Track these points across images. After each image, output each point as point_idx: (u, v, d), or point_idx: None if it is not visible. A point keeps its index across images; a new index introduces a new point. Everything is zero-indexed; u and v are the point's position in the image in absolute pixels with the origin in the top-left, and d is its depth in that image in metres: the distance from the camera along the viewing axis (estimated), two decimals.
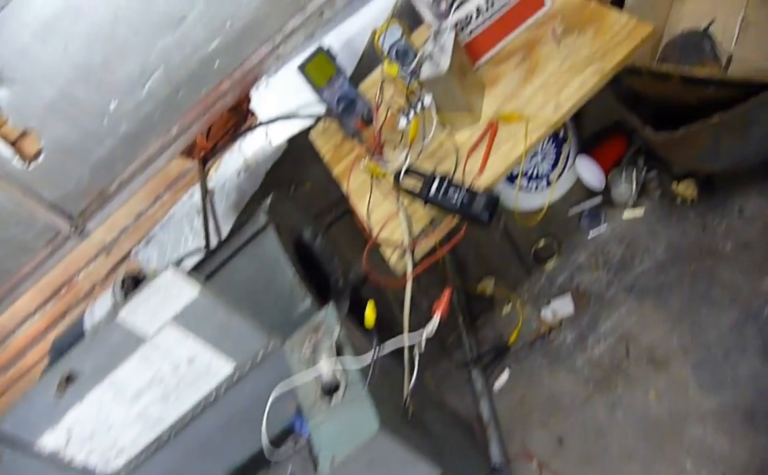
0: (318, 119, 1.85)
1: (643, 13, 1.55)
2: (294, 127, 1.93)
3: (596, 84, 1.35)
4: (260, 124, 1.99)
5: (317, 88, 1.69)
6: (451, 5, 1.52)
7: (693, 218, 1.58)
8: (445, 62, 1.35)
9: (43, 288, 2.20)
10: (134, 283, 1.34)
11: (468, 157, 1.42)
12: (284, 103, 2.01)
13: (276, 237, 1.33)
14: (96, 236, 2.14)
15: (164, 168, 2.07)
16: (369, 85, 1.85)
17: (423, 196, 1.32)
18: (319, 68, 1.69)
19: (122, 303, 1.24)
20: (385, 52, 1.66)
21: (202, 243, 2.15)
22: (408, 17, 2.03)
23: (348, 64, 2.02)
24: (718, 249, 1.52)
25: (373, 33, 2.02)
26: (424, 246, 1.37)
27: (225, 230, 2.15)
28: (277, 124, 1.99)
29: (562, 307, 1.66)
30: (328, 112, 1.72)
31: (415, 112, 1.46)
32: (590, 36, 1.42)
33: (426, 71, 1.38)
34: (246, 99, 2.01)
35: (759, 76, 1.33)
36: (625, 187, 1.66)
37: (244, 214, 2.17)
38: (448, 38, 1.38)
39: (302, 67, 1.69)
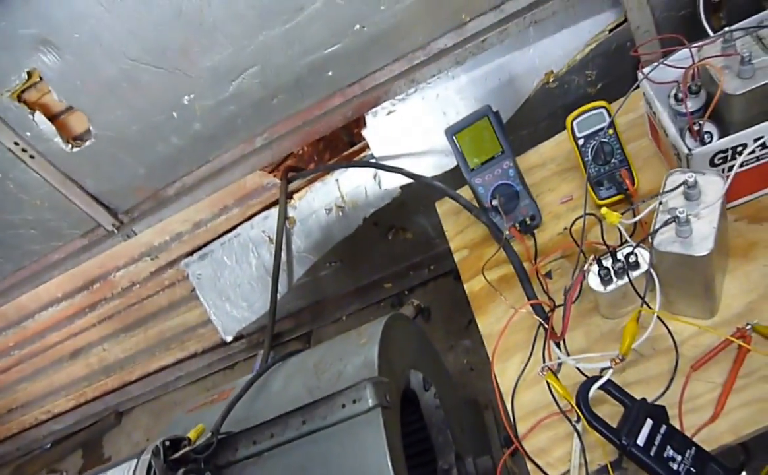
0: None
1: None
2: (416, 174, 1.43)
3: None
4: (371, 162, 1.50)
5: (468, 168, 1.18)
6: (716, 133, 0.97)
7: None
8: (705, 243, 0.83)
9: (74, 277, 1.82)
10: (172, 448, 0.91)
11: (694, 370, 0.91)
12: (408, 142, 1.52)
13: (383, 437, 0.88)
14: (142, 237, 1.73)
15: (238, 180, 1.62)
16: (530, 163, 1.32)
17: (625, 445, 0.83)
18: (478, 139, 1.17)
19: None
20: (577, 142, 1.14)
21: (265, 278, 1.72)
22: (604, 73, 1.48)
23: (502, 111, 1.50)
24: None
25: (548, 75, 1.50)
26: None
27: (297, 273, 1.71)
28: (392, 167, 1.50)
29: None
30: (474, 202, 1.21)
31: (618, 276, 0.96)
32: None
33: (665, 240, 0.86)
34: (358, 122, 1.52)
35: None
36: None
37: (324, 261, 1.71)
38: (715, 201, 0.85)
39: (452, 132, 1.18)
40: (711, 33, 1.28)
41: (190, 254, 1.77)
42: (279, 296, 1.65)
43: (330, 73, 1.42)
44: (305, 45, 1.36)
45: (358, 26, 1.35)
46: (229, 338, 1.85)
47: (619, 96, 1.26)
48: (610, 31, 1.42)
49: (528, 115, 1.50)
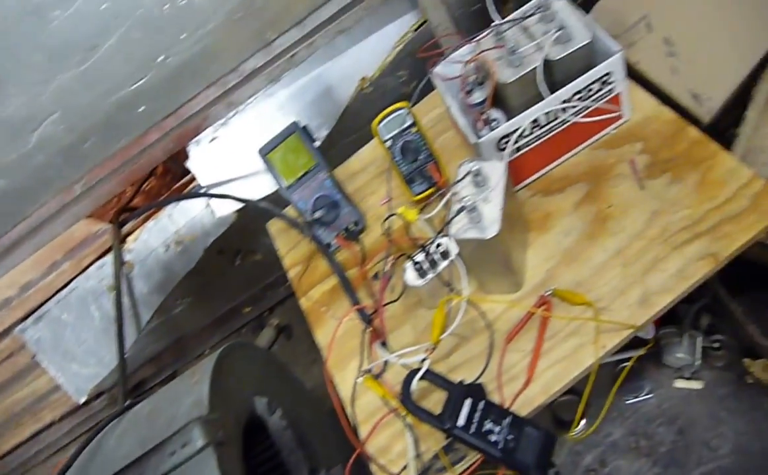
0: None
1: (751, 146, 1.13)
2: (243, 198, 1.42)
3: (704, 275, 0.92)
4: (199, 192, 1.47)
5: (285, 186, 1.19)
6: (498, 120, 1.04)
7: None
8: (492, 226, 0.88)
9: None
10: None
11: (507, 343, 0.98)
12: (236, 165, 1.50)
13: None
14: None
15: (63, 233, 1.52)
16: (352, 170, 1.35)
17: (447, 428, 0.87)
18: (290, 155, 1.18)
19: None
20: (385, 144, 1.18)
21: (111, 329, 1.63)
22: (415, 71, 1.54)
23: (325, 121, 1.52)
24: None
25: (363, 81, 1.54)
26: None
27: (145, 317, 1.64)
28: (220, 194, 1.48)
29: None
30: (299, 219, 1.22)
31: (432, 268, 1.00)
32: (691, 187, 0.98)
33: (460, 228, 0.92)
34: (183, 153, 1.48)
35: None
36: (684, 355, 1.28)
37: (173, 299, 1.66)
38: (497, 184, 0.92)
39: (264, 153, 1.18)
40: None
41: (24, 318, 1.64)
42: (128, 344, 1.58)
43: (142, 108, 1.37)
44: (108, 83, 1.30)
45: (161, 57, 1.31)
46: (82, 400, 1.73)
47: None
48: (415, 30, 1.49)
49: (351, 121, 1.54)
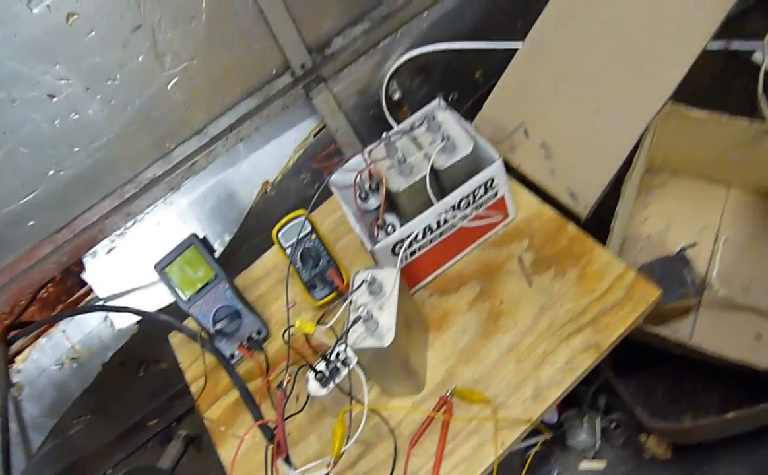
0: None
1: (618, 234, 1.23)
2: (140, 310, 1.37)
3: (589, 366, 0.98)
4: (95, 306, 1.41)
5: (184, 300, 1.16)
6: (392, 225, 1.09)
7: None
8: (388, 333, 0.90)
9: None
10: None
11: (411, 448, 0.98)
12: (136, 275, 1.46)
13: None
14: None
15: None
16: (256, 276, 1.35)
17: None
18: (189, 268, 1.17)
19: None
20: (286, 252, 1.19)
21: None
22: (317, 175, 1.58)
23: (227, 227, 1.52)
24: None
25: (265, 185, 1.56)
26: None
27: (36, 442, 1.52)
28: (123, 303, 1.43)
29: None
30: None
31: (333, 377, 1.00)
32: (572, 281, 1.05)
33: (357, 338, 0.93)
34: (78, 265, 1.43)
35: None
36: (586, 437, 1.33)
37: (69, 418, 1.54)
38: (391, 291, 0.94)
39: (161, 267, 1.16)
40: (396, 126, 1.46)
41: None
42: (16, 473, 1.45)
43: (31, 222, 1.32)
44: None
45: (52, 171, 1.28)
46: None
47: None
48: (314, 136, 1.54)
49: (255, 224, 1.54)
